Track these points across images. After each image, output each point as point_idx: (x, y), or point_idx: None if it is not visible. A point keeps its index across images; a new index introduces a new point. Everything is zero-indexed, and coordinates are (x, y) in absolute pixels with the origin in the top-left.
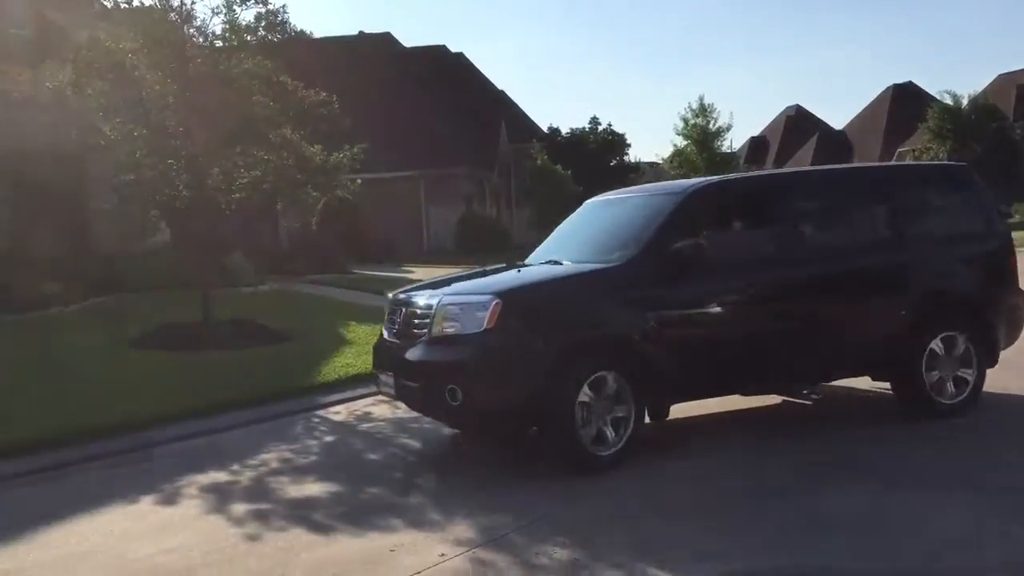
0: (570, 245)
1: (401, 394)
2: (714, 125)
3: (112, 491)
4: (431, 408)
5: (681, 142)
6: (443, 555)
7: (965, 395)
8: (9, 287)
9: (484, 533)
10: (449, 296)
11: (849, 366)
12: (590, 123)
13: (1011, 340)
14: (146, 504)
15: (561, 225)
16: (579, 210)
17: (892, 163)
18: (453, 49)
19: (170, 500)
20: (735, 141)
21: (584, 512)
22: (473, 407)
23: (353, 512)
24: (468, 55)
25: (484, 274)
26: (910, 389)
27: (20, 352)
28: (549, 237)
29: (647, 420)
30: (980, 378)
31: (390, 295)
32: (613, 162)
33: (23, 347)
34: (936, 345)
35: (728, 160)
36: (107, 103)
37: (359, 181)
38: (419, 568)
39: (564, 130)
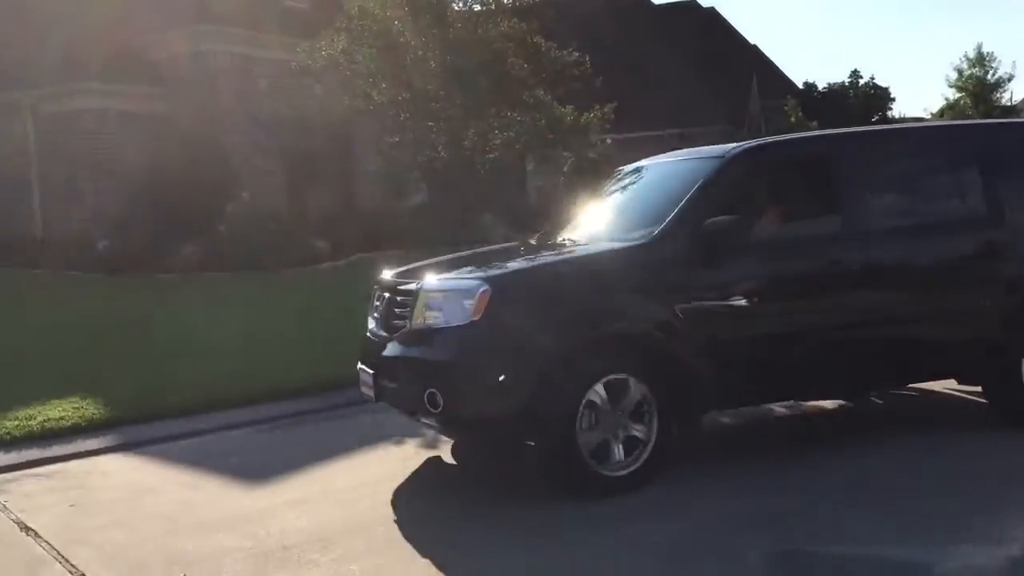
0: (598, 220)
1: (381, 396)
2: (993, 76)
3: (365, 436)
4: (413, 414)
5: (954, 95)
6: None
7: None
8: (287, 244)
9: None
10: (433, 280)
11: (932, 368)
12: (850, 77)
13: None
14: (396, 449)
15: (599, 196)
16: (614, 178)
17: (999, 120)
18: (704, 4)
19: (429, 445)
20: (1016, 93)
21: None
22: (455, 415)
23: None
24: (720, 9)
25: (500, 255)
26: (1008, 395)
27: (297, 302)
28: (583, 210)
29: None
30: None
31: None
32: (875, 118)
33: (300, 298)
34: None
35: (1009, 113)
36: (375, 69)
37: (609, 141)
38: None
39: (821, 85)
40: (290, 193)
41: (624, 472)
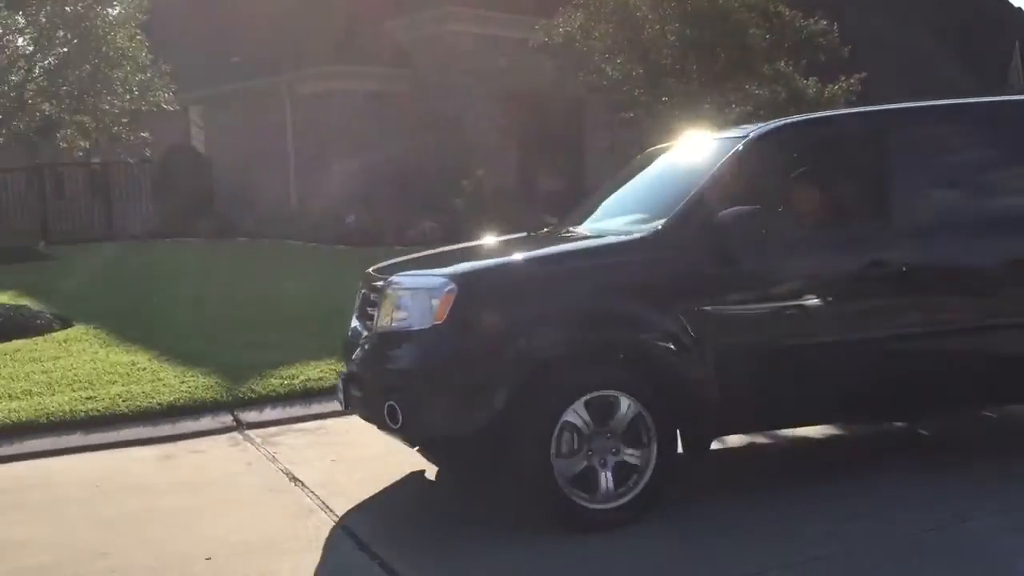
0: (610, 210)
1: (349, 404)
2: None
3: None
4: (381, 428)
5: None
6: None
7: None
8: (518, 219)
9: None
10: (400, 276)
11: (995, 392)
12: None
13: None
14: None
15: (613, 182)
16: (636, 160)
17: None
18: None
19: None
20: None
21: None
22: (415, 433)
23: None
24: None
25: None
26: None
27: None
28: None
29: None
30: None
31: None
32: None
33: None
34: None
35: None
36: (611, 44)
37: None
38: None
39: None
40: (522, 170)
41: (612, 505)
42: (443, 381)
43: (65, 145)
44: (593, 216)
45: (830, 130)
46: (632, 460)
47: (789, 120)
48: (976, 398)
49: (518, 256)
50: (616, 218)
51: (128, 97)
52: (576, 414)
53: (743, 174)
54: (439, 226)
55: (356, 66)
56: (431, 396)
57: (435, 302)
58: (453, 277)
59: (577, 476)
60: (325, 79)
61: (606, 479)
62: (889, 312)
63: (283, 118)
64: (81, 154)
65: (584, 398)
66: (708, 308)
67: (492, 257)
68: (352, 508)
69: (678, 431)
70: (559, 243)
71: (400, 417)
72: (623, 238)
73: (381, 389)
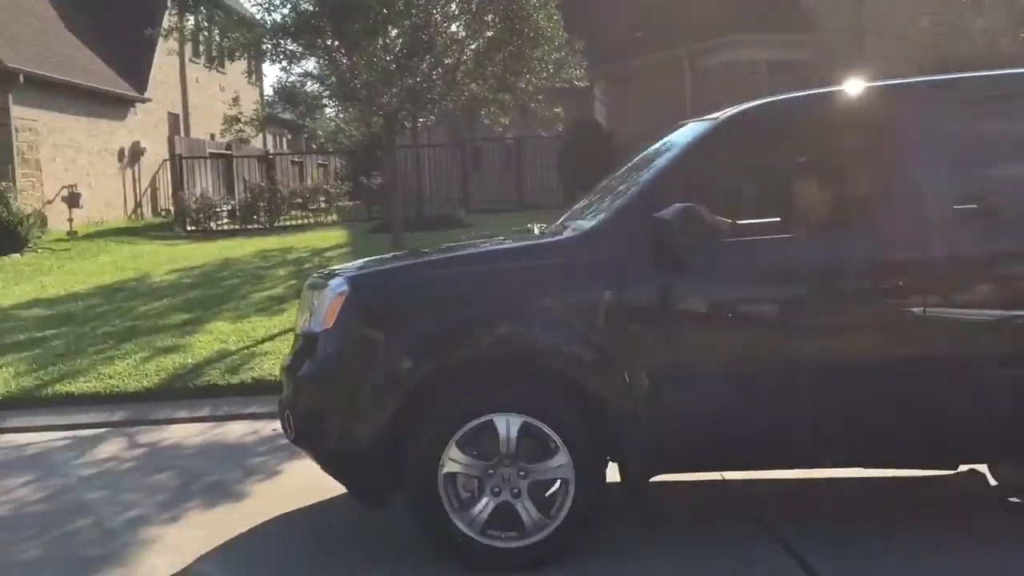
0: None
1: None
2: None
3: None
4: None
5: None
6: None
7: None
8: None
9: None
10: (315, 275)
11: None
12: None
13: None
14: None
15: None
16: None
17: None
18: None
19: None
20: None
21: None
22: (304, 445)
23: None
24: None
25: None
26: None
27: None
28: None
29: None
30: None
31: None
32: None
33: None
34: None
35: None
36: None
37: None
38: None
39: None
40: None
41: (519, 544)
42: (324, 392)
43: (488, 122)
44: (594, 210)
45: (811, 110)
46: (543, 476)
47: (761, 102)
48: (985, 449)
49: (427, 259)
50: (577, 216)
51: (544, 75)
52: (456, 461)
53: (700, 166)
54: None
55: (760, 34)
56: (314, 408)
57: (329, 305)
58: (348, 279)
59: (488, 519)
60: (727, 49)
61: (527, 512)
62: (869, 335)
63: (682, 91)
64: (500, 130)
65: (480, 420)
66: (637, 321)
67: (414, 259)
68: None
69: (606, 456)
70: (471, 245)
71: (291, 428)
72: (549, 239)
73: (283, 397)
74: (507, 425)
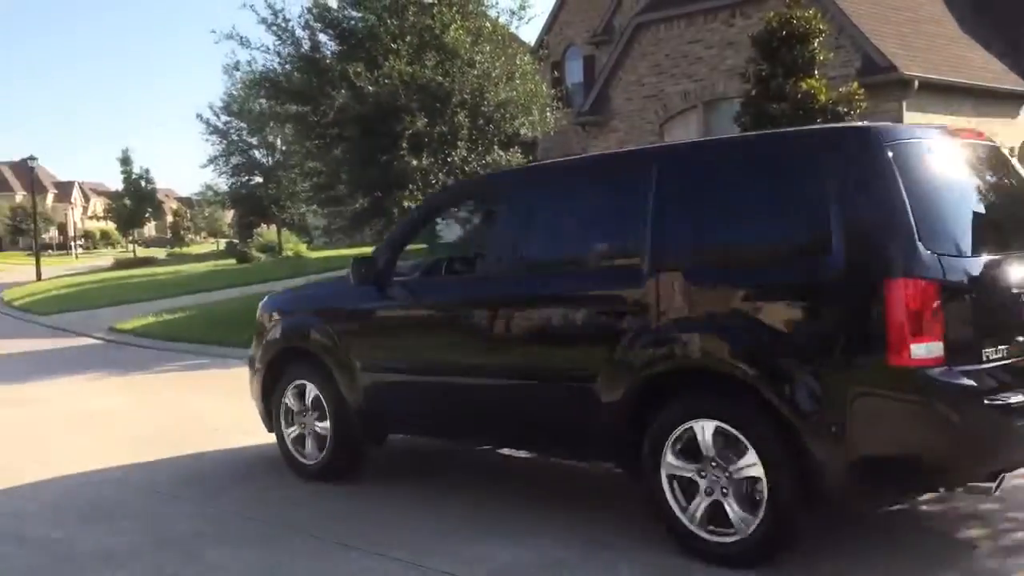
0: None
1: None
2: None
3: None
4: None
5: None
6: None
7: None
8: None
9: None
10: None
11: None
12: None
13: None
14: None
15: None
16: None
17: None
18: None
19: None
20: None
21: None
22: None
23: None
24: None
25: None
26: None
27: None
28: None
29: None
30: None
31: None
32: None
33: None
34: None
35: None
36: None
37: None
38: None
39: None
40: None
41: (314, 463)
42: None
43: None
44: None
45: (463, 193)
46: (320, 431)
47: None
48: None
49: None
50: None
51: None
52: (289, 396)
53: (410, 230)
54: None
55: None
56: None
57: None
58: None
59: (295, 440)
60: None
61: (311, 444)
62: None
63: None
64: None
65: (293, 384)
66: (354, 325)
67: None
68: None
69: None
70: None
71: None
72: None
73: None
74: (311, 392)
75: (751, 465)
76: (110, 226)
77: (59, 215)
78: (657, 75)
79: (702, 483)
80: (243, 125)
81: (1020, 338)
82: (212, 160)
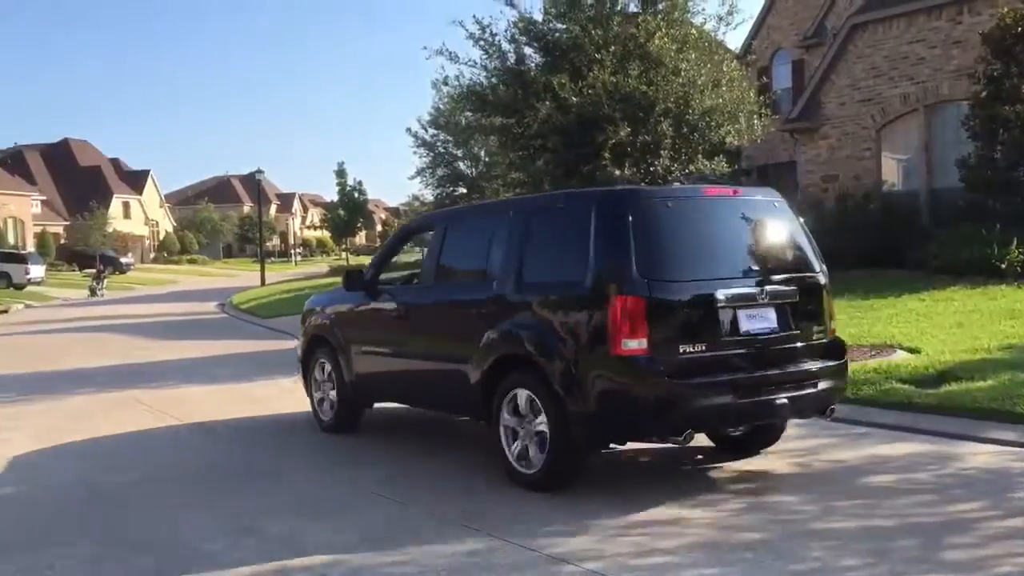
0: None
1: None
2: None
3: None
4: None
5: None
6: None
7: None
8: None
9: None
10: None
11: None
12: None
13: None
14: None
15: None
16: None
17: None
18: None
19: None
20: None
21: None
22: None
23: None
24: None
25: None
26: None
27: None
28: None
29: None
30: None
31: None
32: None
33: None
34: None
35: None
36: None
37: None
38: None
39: None
40: None
41: (328, 420)
42: None
43: None
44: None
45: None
46: (332, 398)
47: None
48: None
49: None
50: None
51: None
52: (316, 371)
53: (391, 251)
54: None
55: None
56: None
57: None
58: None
59: (318, 403)
60: None
61: (328, 408)
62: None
63: None
64: None
65: (316, 364)
66: (352, 324)
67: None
68: None
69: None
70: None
71: None
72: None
73: None
74: (323, 359)
75: (542, 421)
76: (325, 235)
77: (281, 224)
78: (874, 78)
79: (520, 432)
80: (449, 138)
81: (714, 340)
82: (419, 172)
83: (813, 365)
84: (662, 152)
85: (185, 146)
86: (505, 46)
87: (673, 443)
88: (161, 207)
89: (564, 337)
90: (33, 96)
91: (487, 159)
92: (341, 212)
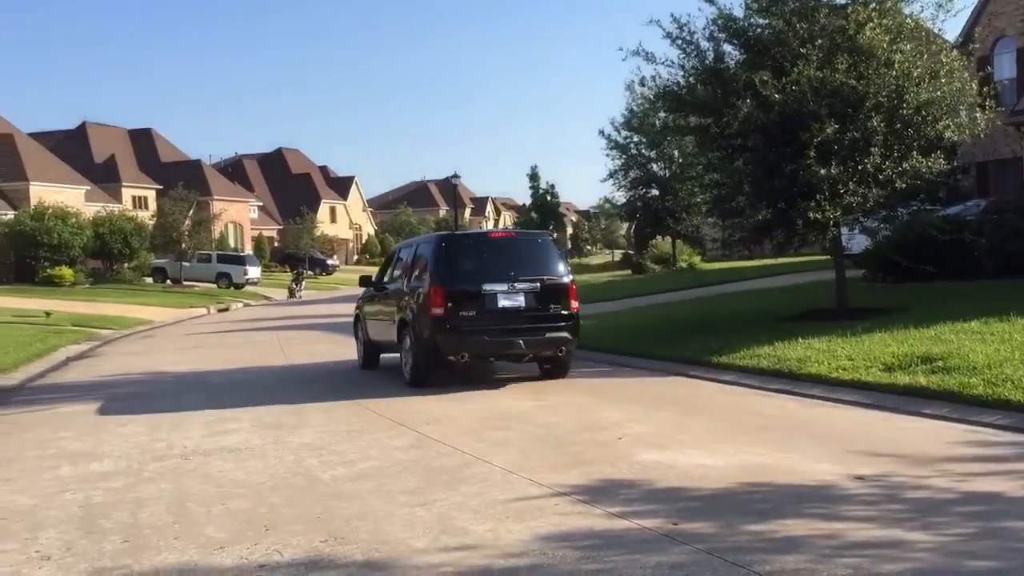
0: None
1: None
2: None
3: None
4: None
5: None
6: None
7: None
8: None
9: None
10: None
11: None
12: None
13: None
14: None
15: None
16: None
17: None
18: None
19: None
20: None
21: None
22: None
23: None
24: None
25: None
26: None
27: None
28: None
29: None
30: None
31: None
32: None
33: None
34: None
35: None
36: None
37: None
38: None
39: None
40: None
41: (360, 361)
42: None
43: None
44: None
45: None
46: (360, 350)
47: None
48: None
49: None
50: None
51: None
52: (358, 332)
53: (391, 260)
54: None
55: None
56: None
57: None
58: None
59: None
60: None
61: (361, 354)
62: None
63: None
64: None
65: (360, 329)
66: (368, 303)
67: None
68: None
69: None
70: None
71: None
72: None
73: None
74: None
75: (410, 348)
76: None
77: (475, 227)
78: None
79: (407, 356)
80: (642, 139)
81: (481, 310)
82: (612, 174)
83: (546, 325)
84: (872, 149)
85: (386, 153)
86: (704, 44)
87: (456, 362)
88: (364, 211)
89: (417, 307)
90: (253, 109)
91: (680, 160)
92: (534, 215)
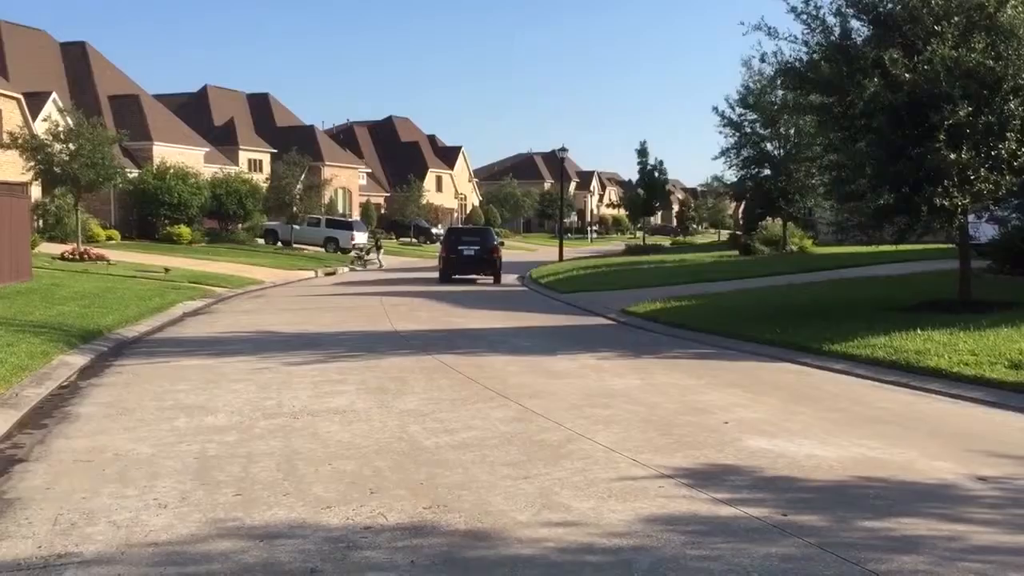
0: None
1: None
2: None
3: None
4: None
5: None
6: None
7: None
8: None
9: None
10: None
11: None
12: None
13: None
14: None
15: None
16: None
17: None
18: None
19: None
20: None
21: None
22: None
23: None
24: None
25: None
26: None
27: None
28: None
29: None
30: None
31: None
32: None
33: None
34: None
35: None
36: None
37: None
38: None
39: None
40: None
41: (439, 276)
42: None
43: None
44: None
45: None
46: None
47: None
48: None
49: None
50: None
51: None
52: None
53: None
54: None
55: None
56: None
57: None
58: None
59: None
60: None
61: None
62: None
63: None
64: None
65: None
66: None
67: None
68: None
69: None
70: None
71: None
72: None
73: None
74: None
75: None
76: (622, 213)
77: (579, 202)
78: None
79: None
80: (757, 117)
81: (459, 255)
82: (724, 152)
83: (482, 265)
84: (1008, 134)
85: (493, 124)
86: (830, 19)
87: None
88: (469, 182)
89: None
90: (366, 80)
91: (796, 140)
92: (640, 191)
